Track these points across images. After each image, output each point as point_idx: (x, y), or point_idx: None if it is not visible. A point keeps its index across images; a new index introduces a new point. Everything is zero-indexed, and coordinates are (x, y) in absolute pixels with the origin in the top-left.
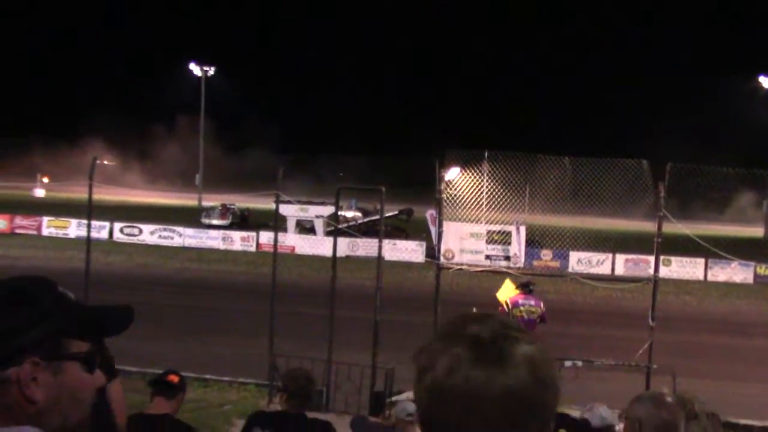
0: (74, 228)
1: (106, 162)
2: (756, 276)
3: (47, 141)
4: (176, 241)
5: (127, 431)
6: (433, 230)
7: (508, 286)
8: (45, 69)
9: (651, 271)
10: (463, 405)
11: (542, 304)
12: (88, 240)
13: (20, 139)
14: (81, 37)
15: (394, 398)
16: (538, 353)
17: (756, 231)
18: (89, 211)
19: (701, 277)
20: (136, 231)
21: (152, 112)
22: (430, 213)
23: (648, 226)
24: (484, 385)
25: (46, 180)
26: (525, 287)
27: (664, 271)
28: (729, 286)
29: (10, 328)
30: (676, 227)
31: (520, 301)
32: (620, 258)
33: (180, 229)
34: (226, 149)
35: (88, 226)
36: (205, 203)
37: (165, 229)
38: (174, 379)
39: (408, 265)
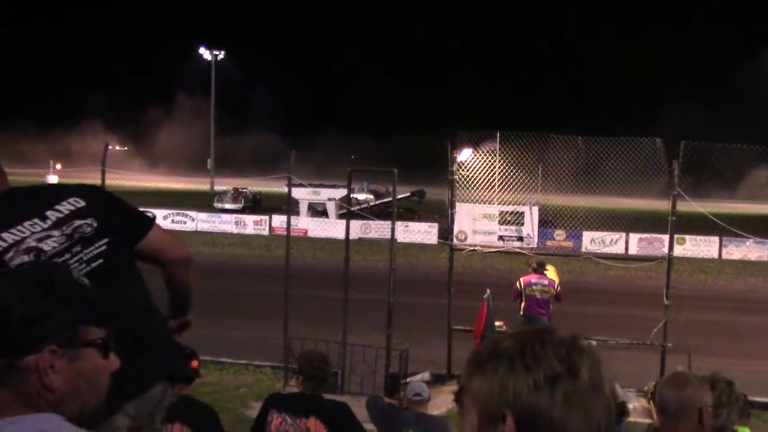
0: None
1: (117, 147)
2: None
3: (53, 128)
4: (189, 226)
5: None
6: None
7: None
8: (51, 56)
9: (665, 250)
10: (591, 414)
11: (556, 284)
12: None
13: (25, 124)
14: (86, 22)
15: (408, 379)
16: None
17: None
18: None
19: (716, 255)
20: (149, 215)
21: (160, 97)
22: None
23: (662, 205)
24: (607, 396)
25: (59, 166)
26: (540, 267)
27: (678, 250)
28: (744, 264)
29: (28, 317)
30: (690, 205)
31: (533, 281)
32: (634, 237)
33: (193, 213)
34: (236, 133)
35: None
36: (218, 187)
37: (178, 214)
38: (196, 365)
39: (421, 247)
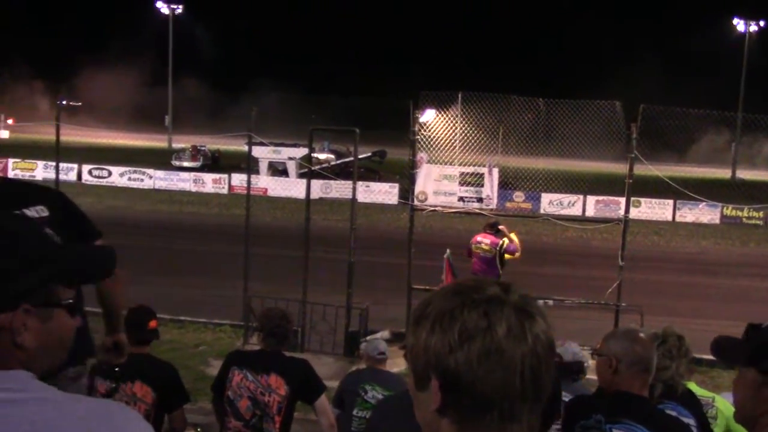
0: (41, 170)
1: (72, 103)
2: (723, 216)
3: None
4: (146, 183)
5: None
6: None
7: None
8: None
9: (621, 212)
10: (512, 368)
11: (500, 243)
12: (57, 182)
13: None
14: None
15: (368, 338)
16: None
17: (724, 173)
18: (57, 152)
19: (670, 218)
20: (105, 173)
21: (117, 52)
22: (419, 156)
23: (619, 168)
24: (530, 346)
25: (10, 122)
26: (491, 227)
27: (633, 212)
28: (696, 227)
29: (1, 275)
30: (646, 169)
31: (478, 239)
32: (591, 199)
33: (150, 170)
34: (194, 90)
35: (57, 167)
36: (176, 145)
37: (135, 171)
38: (154, 325)
39: (381, 207)
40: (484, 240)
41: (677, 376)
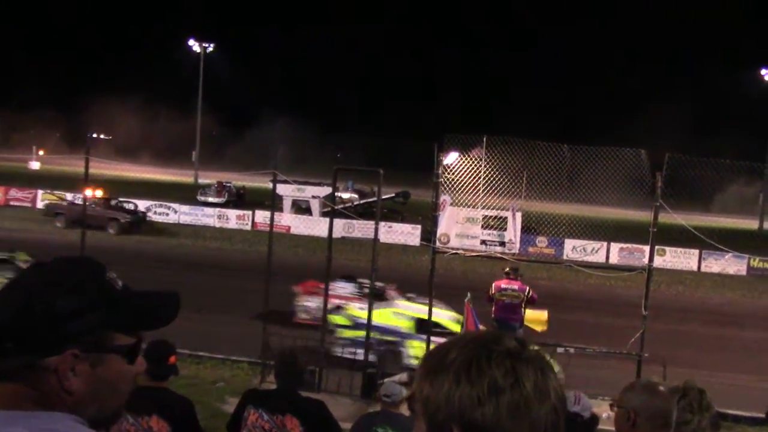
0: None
1: (102, 136)
2: (749, 268)
3: (40, 115)
4: (171, 218)
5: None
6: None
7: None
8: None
9: (645, 260)
10: (538, 423)
11: (528, 289)
12: (84, 212)
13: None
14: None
15: (384, 380)
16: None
17: (751, 223)
18: (85, 183)
19: (695, 267)
20: (131, 206)
21: (148, 89)
22: (443, 199)
23: (644, 216)
24: (552, 402)
25: (41, 153)
26: (514, 272)
27: (658, 261)
28: (722, 278)
29: (54, 316)
30: (671, 217)
31: (503, 286)
32: (615, 247)
33: (175, 205)
34: (222, 126)
35: (84, 200)
36: (202, 180)
37: (161, 205)
38: (173, 360)
39: (404, 248)
40: (510, 286)
41: (699, 431)
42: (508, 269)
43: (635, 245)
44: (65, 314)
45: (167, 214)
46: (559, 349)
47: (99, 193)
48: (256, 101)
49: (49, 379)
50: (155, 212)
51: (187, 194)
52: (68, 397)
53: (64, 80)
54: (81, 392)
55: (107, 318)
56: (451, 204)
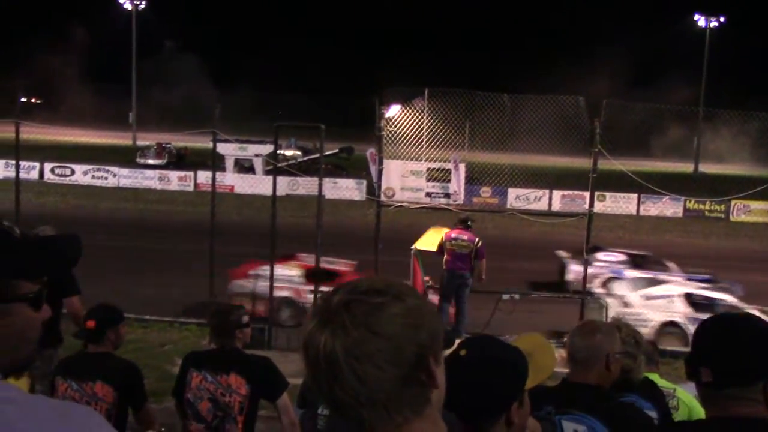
0: (1, 169)
1: (33, 100)
2: (685, 210)
3: None
4: (111, 182)
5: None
6: (374, 169)
7: (430, 236)
8: None
9: (586, 206)
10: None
11: (477, 240)
12: (17, 180)
13: None
14: None
15: None
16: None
17: (687, 167)
18: (17, 151)
19: (634, 211)
20: (68, 171)
21: (78, 48)
22: (370, 152)
23: (584, 163)
24: (327, 348)
25: None
26: (463, 223)
27: (598, 206)
28: (660, 220)
29: None
30: (610, 163)
31: (453, 235)
32: (557, 194)
33: (114, 168)
34: (158, 85)
35: (17, 166)
36: (140, 142)
37: (98, 169)
38: (91, 325)
39: (349, 204)
40: (461, 236)
41: (635, 368)
42: (460, 219)
43: (576, 192)
44: None
45: (106, 178)
46: (505, 296)
47: None
48: (189, 57)
49: None
50: (93, 176)
51: (126, 157)
52: None
53: None
54: None
55: (9, 266)
56: (393, 157)
